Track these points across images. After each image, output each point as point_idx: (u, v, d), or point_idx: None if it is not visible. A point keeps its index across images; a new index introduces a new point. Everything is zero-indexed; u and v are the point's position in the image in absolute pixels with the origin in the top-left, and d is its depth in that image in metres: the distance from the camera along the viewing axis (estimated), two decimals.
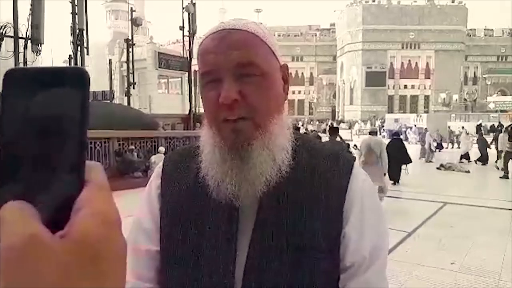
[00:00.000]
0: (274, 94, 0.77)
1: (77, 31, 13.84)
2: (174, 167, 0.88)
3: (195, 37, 17.98)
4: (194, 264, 0.78)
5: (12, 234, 0.22)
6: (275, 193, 0.76)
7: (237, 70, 0.73)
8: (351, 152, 8.41)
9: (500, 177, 12.20)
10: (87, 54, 14.34)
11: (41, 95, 0.25)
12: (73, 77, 0.26)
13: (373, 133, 8.46)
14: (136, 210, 0.90)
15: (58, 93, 0.25)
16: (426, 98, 60.72)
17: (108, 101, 18.21)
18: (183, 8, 19.72)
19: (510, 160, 12.17)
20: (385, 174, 7.72)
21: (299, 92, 68.75)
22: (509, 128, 12.76)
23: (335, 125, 11.02)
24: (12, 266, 0.22)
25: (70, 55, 14.58)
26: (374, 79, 58.45)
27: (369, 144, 7.66)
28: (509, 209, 7.68)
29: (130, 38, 21.51)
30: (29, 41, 12.00)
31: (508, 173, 12.15)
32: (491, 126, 28.90)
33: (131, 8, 23.82)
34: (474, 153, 16.45)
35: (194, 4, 19.62)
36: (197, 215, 0.80)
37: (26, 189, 0.25)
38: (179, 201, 0.83)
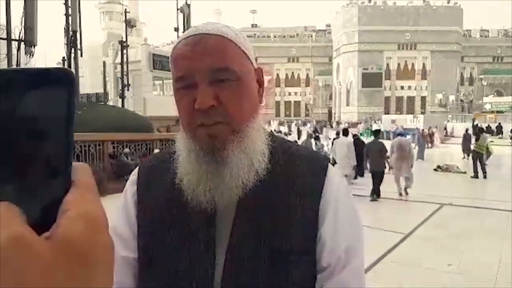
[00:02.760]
0: (250, 98, 0.78)
1: (71, 33, 13.76)
2: (150, 174, 0.88)
3: None
4: (172, 270, 0.78)
5: None
6: (252, 197, 0.76)
7: (212, 75, 0.72)
8: (386, 151, 9.49)
9: (471, 177, 12.41)
10: (81, 56, 14.28)
11: (25, 96, 0.25)
12: (58, 78, 0.26)
13: (402, 134, 11.26)
14: (112, 218, 0.84)
15: (43, 94, 0.25)
16: (423, 99, 60.97)
17: (102, 103, 18.09)
18: (177, 9, 19.71)
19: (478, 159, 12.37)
20: (412, 166, 9.37)
21: (295, 93, 68.87)
22: (476, 129, 12.97)
23: (376, 127, 13.92)
24: None
25: (63, 57, 14.51)
26: (371, 80, 58.64)
27: (400, 143, 9.45)
28: (507, 210, 7.68)
29: (124, 39, 21.45)
30: (22, 43, 11.92)
31: (478, 173, 12.32)
32: (487, 127, 29.02)
33: (125, 9, 23.76)
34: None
35: (188, 5, 19.62)
36: (174, 221, 0.80)
37: (11, 191, 0.25)
38: (156, 207, 0.83)
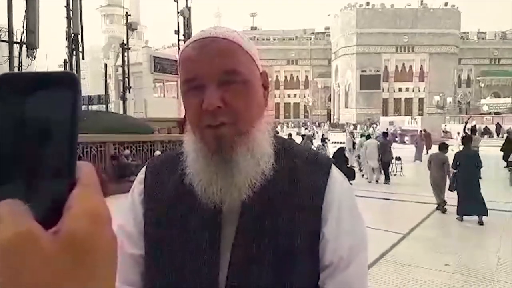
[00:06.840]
0: (256, 100, 0.79)
1: (72, 35, 13.81)
2: (157, 173, 0.89)
3: None
4: (178, 269, 0.79)
5: (6, 230, 0.23)
6: (256, 197, 0.77)
7: (220, 77, 0.73)
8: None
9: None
10: (82, 58, 14.31)
11: (32, 99, 0.26)
12: (63, 81, 0.26)
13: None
14: (119, 217, 0.89)
15: (48, 97, 0.26)
16: (421, 100, 61.10)
17: (104, 109, 18.13)
18: (178, 13, 19.81)
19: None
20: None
21: (295, 95, 68.94)
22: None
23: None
24: (5, 261, 0.23)
25: (65, 60, 14.54)
26: (369, 82, 58.75)
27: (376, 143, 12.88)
28: (503, 210, 7.75)
29: (125, 42, 21.54)
30: (23, 46, 11.97)
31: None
32: (484, 128, 29.12)
33: (126, 12, 23.87)
34: None
35: (189, 9, 19.72)
36: (180, 220, 0.81)
37: (19, 189, 0.25)
38: (163, 206, 0.84)
